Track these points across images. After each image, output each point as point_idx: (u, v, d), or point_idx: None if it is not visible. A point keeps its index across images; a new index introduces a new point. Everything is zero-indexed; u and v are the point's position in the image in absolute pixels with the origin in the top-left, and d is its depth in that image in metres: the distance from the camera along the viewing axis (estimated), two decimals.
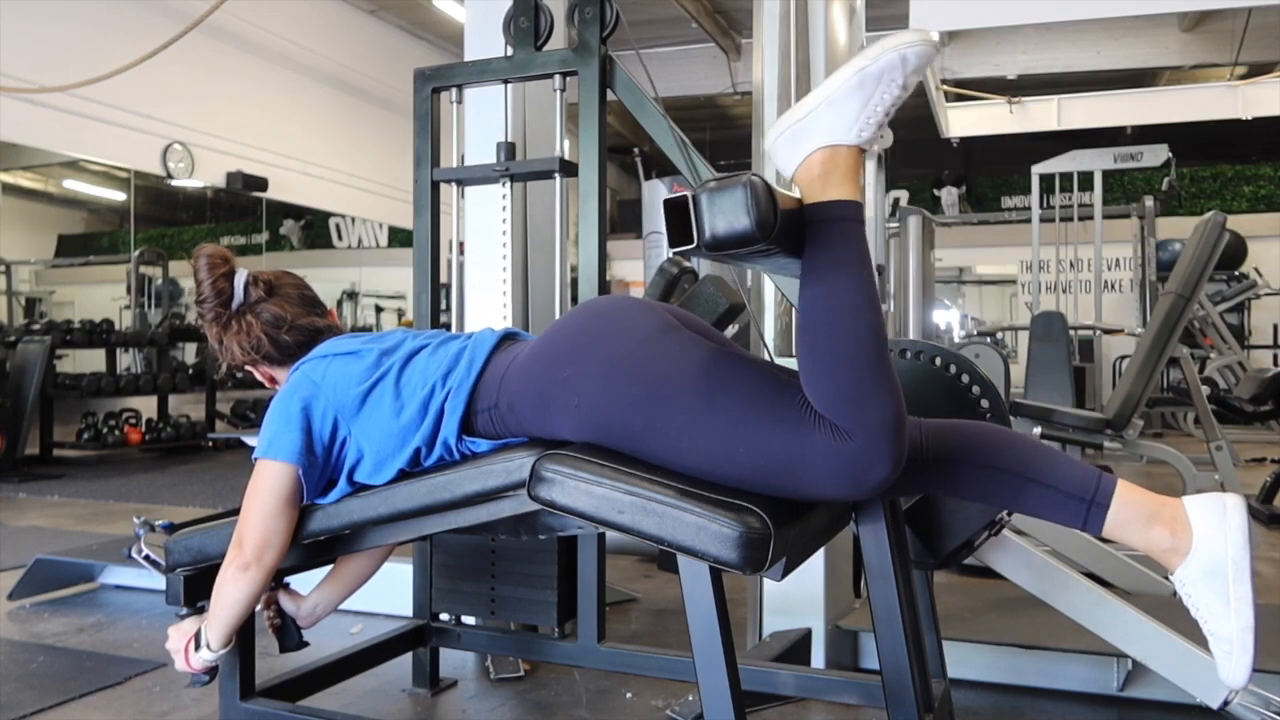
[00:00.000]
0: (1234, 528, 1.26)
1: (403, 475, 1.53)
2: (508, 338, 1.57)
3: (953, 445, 1.38)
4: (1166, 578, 1.34)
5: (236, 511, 1.58)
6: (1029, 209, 9.23)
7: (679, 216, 1.17)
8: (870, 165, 5.00)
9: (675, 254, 1.19)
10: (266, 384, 1.74)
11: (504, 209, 2.33)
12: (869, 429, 1.18)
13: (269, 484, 1.52)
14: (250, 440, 1.59)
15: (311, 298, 1.76)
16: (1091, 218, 8.66)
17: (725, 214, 1.14)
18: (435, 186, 2.27)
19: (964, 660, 2.25)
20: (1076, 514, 1.31)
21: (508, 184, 2.30)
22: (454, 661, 2.49)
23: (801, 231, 1.21)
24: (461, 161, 2.58)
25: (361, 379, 1.53)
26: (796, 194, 1.24)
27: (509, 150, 2.28)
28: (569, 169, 2.18)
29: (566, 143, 2.47)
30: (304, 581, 1.86)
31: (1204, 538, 1.26)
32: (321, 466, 1.54)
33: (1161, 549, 1.29)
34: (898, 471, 1.21)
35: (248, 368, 1.72)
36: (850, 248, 1.20)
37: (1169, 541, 1.28)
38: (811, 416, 1.21)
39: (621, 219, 14.16)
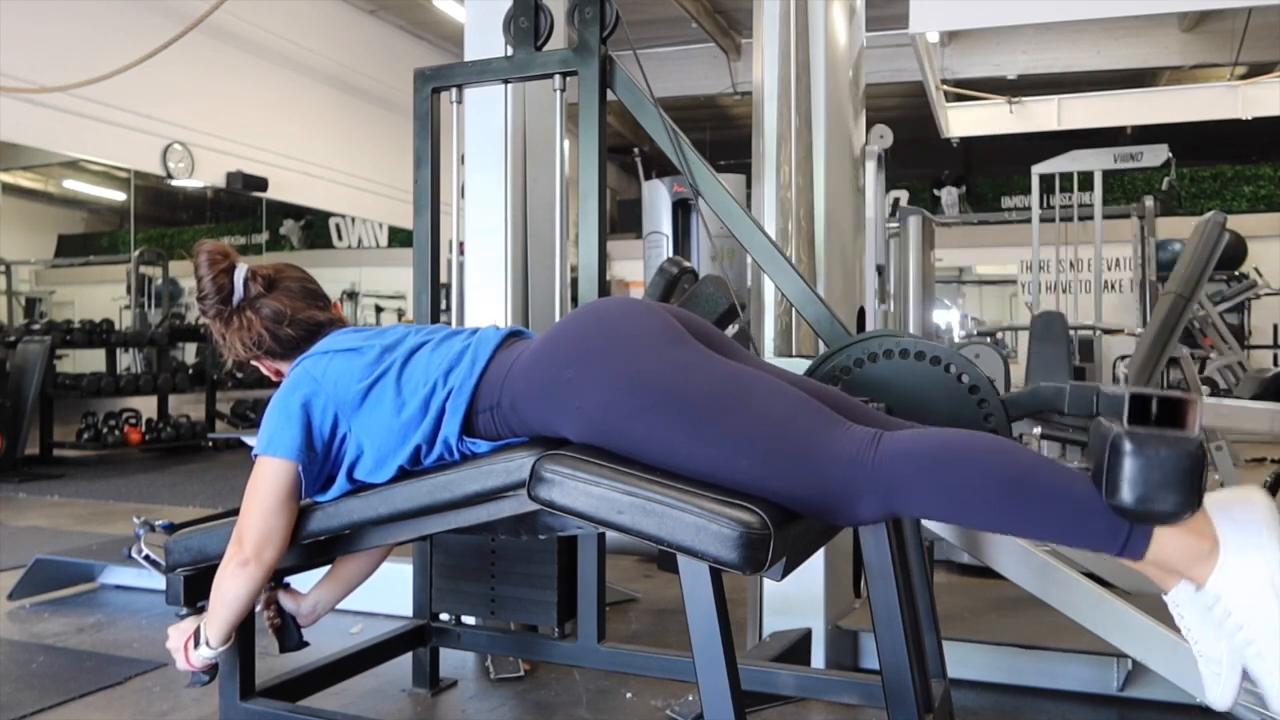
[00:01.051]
0: None
1: (402, 474, 1.53)
2: (512, 335, 1.57)
3: None
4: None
5: (236, 511, 1.58)
6: (1029, 209, 9.21)
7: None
8: (870, 165, 4.99)
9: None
10: (272, 377, 1.73)
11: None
12: (888, 481, 1.22)
13: (268, 480, 1.52)
14: (250, 440, 1.59)
15: (314, 290, 1.75)
16: (1091, 218, 8.65)
17: (1159, 489, 1.11)
18: (435, 185, 2.27)
19: (964, 660, 2.25)
20: None
21: None
22: (454, 661, 2.49)
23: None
24: (461, 162, 2.58)
25: (363, 375, 1.53)
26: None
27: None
28: None
29: (566, 143, 2.48)
30: (303, 581, 1.86)
31: None
32: (321, 463, 1.54)
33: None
34: (872, 522, 1.30)
35: (252, 362, 1.72)
36: (1103, 539, 1.18)
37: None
38: (828, 433, 1.24)
39: (621, 219, 14.15)
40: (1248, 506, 1.19)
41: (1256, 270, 9.95)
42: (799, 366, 1.99)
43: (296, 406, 1.52)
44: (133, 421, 7.62)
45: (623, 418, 1.29)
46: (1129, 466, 1.11)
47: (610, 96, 2.12)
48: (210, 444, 7.93)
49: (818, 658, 2.38)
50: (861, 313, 2.96)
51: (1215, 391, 5.94)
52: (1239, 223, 9.90)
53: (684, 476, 1.27)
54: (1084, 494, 1.17)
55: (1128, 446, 1.11)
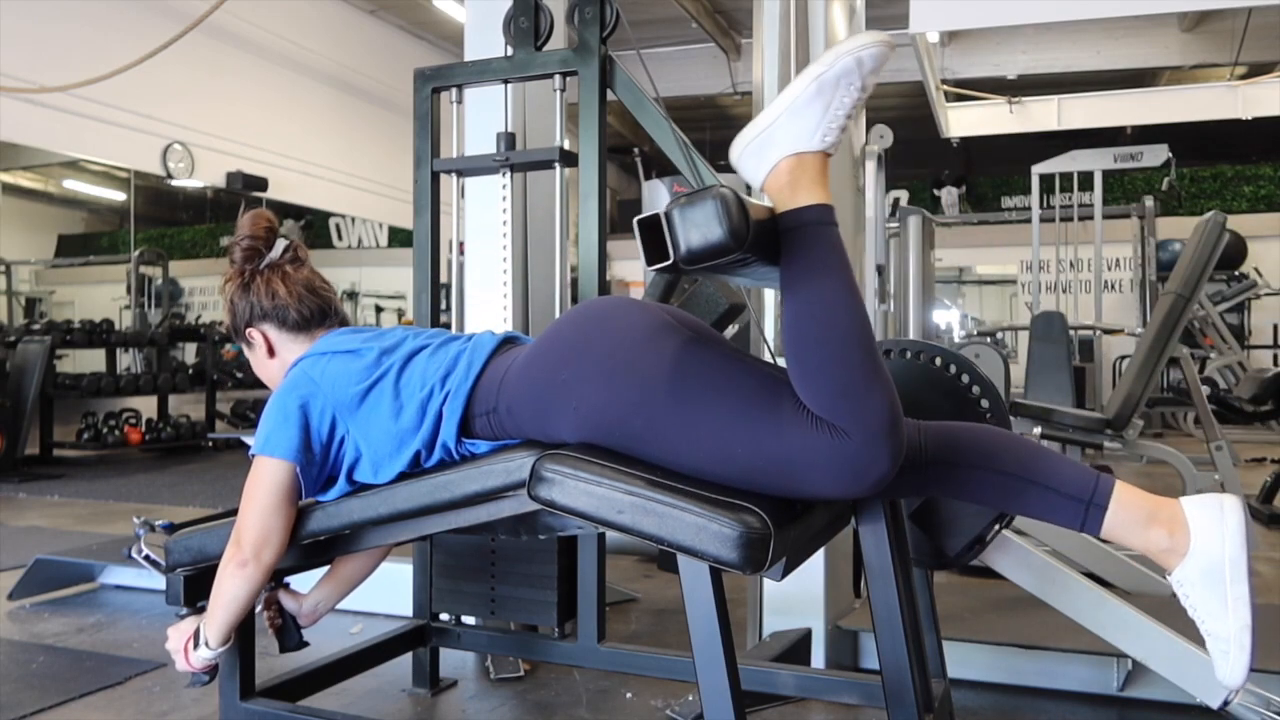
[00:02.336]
0: (1231, 528, 1.26)
1: (403, 476, 1.52)
2: (507, 341, 1.57)
3: (951, 447, 1.38)
4: (1165, 578, 1.34)
5: (236, 511, 1.58)
6: (1029, 209, 9.23)
7: (653, 235, 1.18)
8: (870, 165, 4.98)
9: (656, 270, 1.19)
10: (261, 352, 1.71)
11: (504, 199, 2.33)
12: (865, 426, 1.19)
13: (266, 481, 1.52)
14: (249, 440, 1.59)
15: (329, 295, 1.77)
16: (1091, 218, 8.66)
17: (698, 227, 1.15)
18: (435, 185, 2.27)
19: (964, 660, 2.25)
20: (1075, 515, 1.31)
21: (508, 174, 2.30)
22: (454, 661, 2.49)
23: (777, 240, 1.23)
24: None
25: (360, 378, 1.53)
26: (768, 203, 1.26)
27: (509, 140, 2.28)
28: (569, 159, 2.19)
29: (566, 143, 2.47)
30: (303, 581, 1.86)
31: (1201, 538, 1.27)
32: (319, 464, 1.54)
33: (1159, 549, 1.29)
34: (896, 466, 1.22)
35: (249, 331, 1.71)
36: (826, 250, 1.22)
37: (1167, 542, 1.28)
38: (810, 416, 1.21)
39: (621, 219, 14.15)
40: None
41: (1256, 270, 9.95)
42: None
43: (294, 407, 1.52)
44: (133, 421, 7.62)
45: (621, 412, 1.29)
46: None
47: (610, 96, 2.12)
48: (210, 444, 7.93)
49: (818, 658, 2.38)
50: None
51: (1215, 391, 5.94)
52: (1239, 223, 9.89)
53: (685, 475, 1.27)
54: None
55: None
